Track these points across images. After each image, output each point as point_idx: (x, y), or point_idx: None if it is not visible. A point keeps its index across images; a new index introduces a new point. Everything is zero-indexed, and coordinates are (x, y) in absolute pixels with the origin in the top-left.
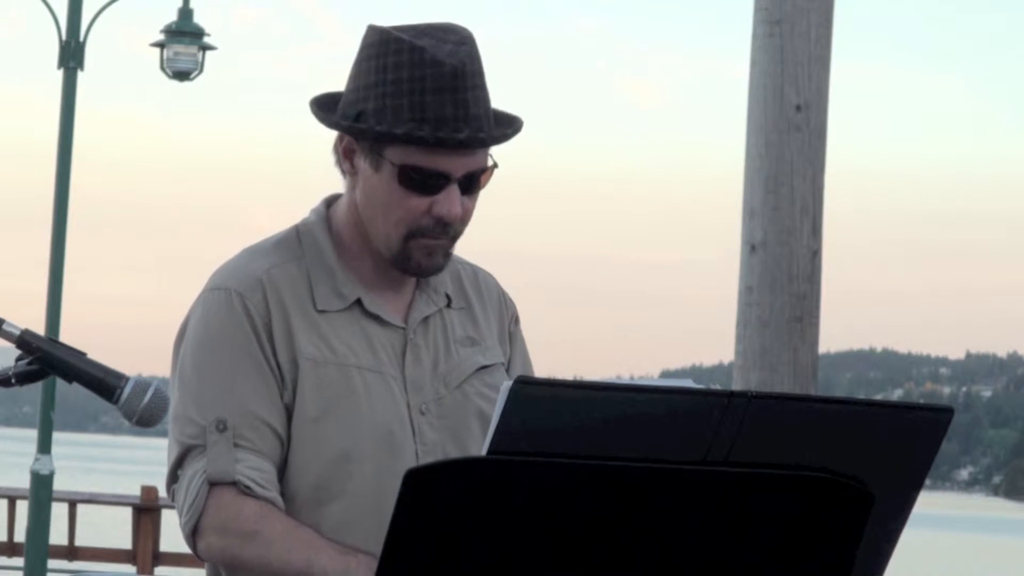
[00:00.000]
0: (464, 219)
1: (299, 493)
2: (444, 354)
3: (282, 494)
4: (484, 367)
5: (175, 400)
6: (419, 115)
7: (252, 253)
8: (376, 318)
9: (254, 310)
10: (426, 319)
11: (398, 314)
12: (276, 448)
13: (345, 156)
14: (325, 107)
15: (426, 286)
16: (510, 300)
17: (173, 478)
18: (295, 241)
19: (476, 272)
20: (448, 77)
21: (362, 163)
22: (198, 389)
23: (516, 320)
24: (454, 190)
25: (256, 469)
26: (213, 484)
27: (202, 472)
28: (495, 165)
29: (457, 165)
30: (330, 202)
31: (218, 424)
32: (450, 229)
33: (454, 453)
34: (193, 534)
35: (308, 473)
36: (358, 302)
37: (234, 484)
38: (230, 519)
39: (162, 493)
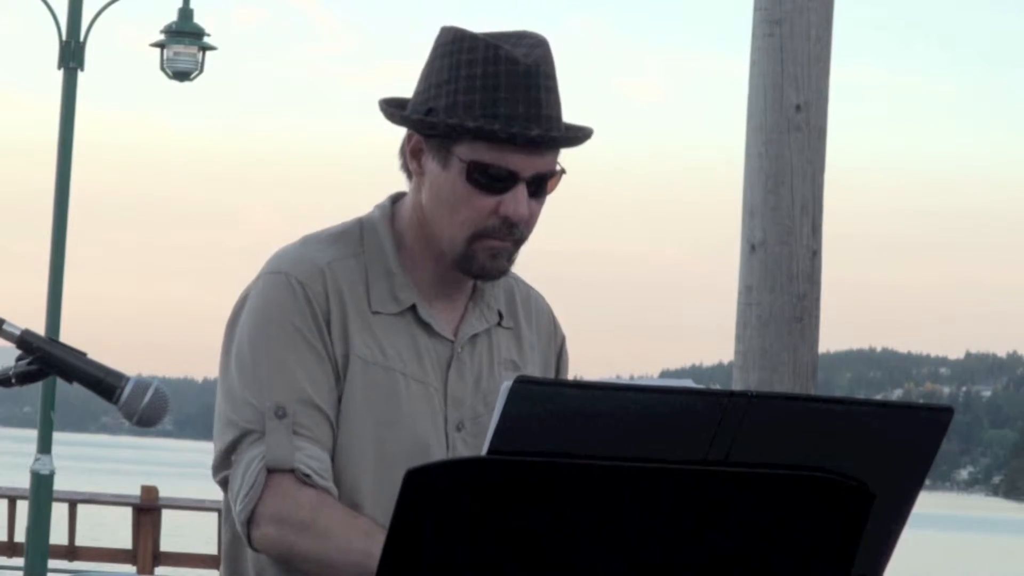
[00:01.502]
0: (530, 223)
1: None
2: (487, 374)
3: None
4: None
5: (229, 381)
6: (491, 111)
7: (313, 242)
8: (427, 327)
9: (314, 299)
10: (474, 336)
11: (449, 326)
12: (331, 438)
13: (412, 155)
14: (395, 107)
15: (480, 300)
16: (560, 326)
17: (225, 462)
18: (357, 236)
19: (530, 293)
20: (522, 75)
21: (430, 162)
22: (256, 373)
23: (564, 348)
24: (521, 190)
25: (314, 458)
26: (271, 471)
27: (260, 458)
28: (563, 171)
29: (526, 164)
30: (395, 199)
31: (277, 410)
32: (515, 231)
33: None
34: (248, 522)
35: (345, 471)
36: (412, 308)
37: (292, 472)
38: (287, 508)
39: (162, 493)
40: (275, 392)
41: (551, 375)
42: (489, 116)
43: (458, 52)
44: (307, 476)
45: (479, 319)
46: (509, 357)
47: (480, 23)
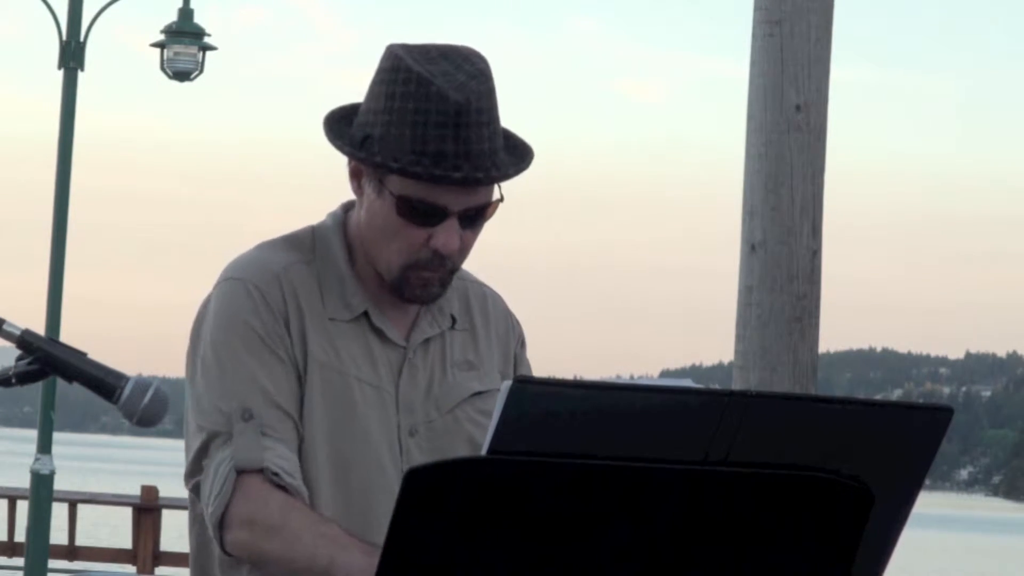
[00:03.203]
0: (463, 251)
1: None
2: (440, 377)
3: None
4: (479, 393)
5: (196, 389)
6: (419, 148)
7: (267, 248)
8: (379, 333)
9: (273, 303)
10: (427, 341)
11: (401, 331)
12: (296, 439)
13: (353, 176)
14: (338, 122)
15: (432, 305)
16: (517, 323)
17: (196, 468)
18: (309, 243)
19: (485, 293)
20: (451, 114)
21: (367, 187)
22: (221, 378)
23: (522, 343)
24: (452, 224)
25: (283, 458)
26: (240, 472)
27: (229, 460)
28: (500, 199)
29: (455, 200)
30: (348, 208)
31: (243, 413)
32: (447, 262)
33: None
34: (220, 526)
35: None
36: (365, 314)
37: (261, 472)
38: (257, 511)
39: (162, 493)
40: (241, 395)
41: (510, 371)
42: (417, 153)
43: (394, 82)
44: (276, 475)
45: (431, 324)
46: (464, 357)
47: (480, 24)
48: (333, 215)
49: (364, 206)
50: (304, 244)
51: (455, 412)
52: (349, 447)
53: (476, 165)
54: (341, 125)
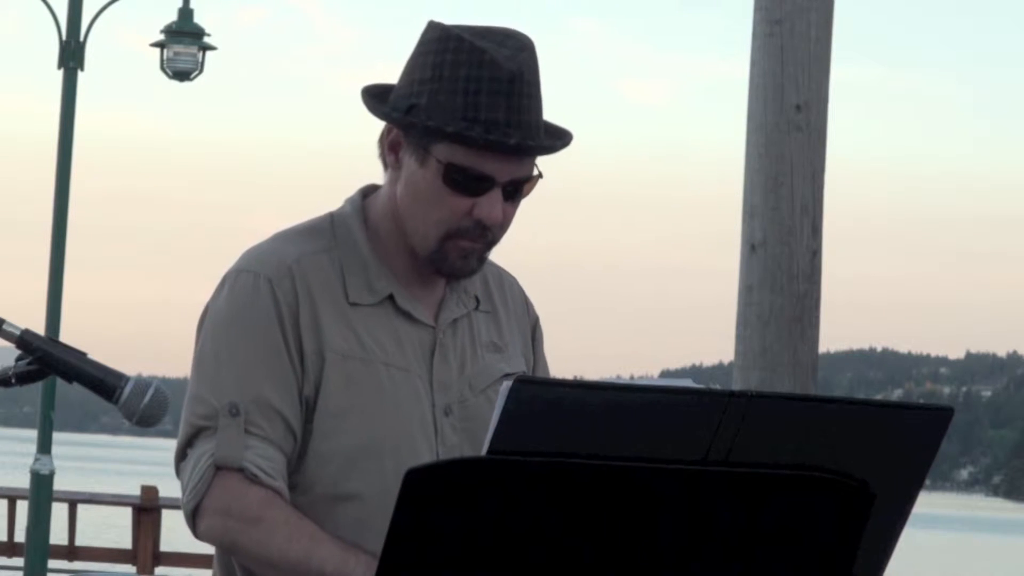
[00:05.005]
0: (503, 225)
1: (316, 487)
2: (471, 357)
3: (298, 486)
4: (508, 375)
5: (192, 378)
6: (472, 115)
7: (284, 238)
8: (407, 315)
9: (282, 297)
10: (455, 321)
11: (428, 312)
12: (287, 439)
13: (391, 149)
14: (377, 97)
15: (456, 286)
16: (532, 306)
17: (181, 455)
18: (328, 230)
19: (501, 275)
20: (505, 81)
21: (407, 158)
22: (215, 371)
23: (538, 327)
24: (497, 194)
25: (264, 458)
26: (219, 468)
27: (209, 454)
28: (540, 175)
29: (503, 170)
30: (366, 192)
31: (231, 408)
32: (488, 233)
33: None
34: (194, 514)
35: (328, 467)
36: (390, 298)
37: (240, 471)
38: (233, 502)
39: (162, 493)
40: (231, 390)
41: (530, 354)
42: (469, 120)
43: (443, 51)
44: (255, 476)
45: (458, 304)
46: (490, 339)
47: (480, 24)
48: (351, 200)
49: (403, 178)
50: (323, 232)
51: (487, 392)
52: (381, 433)
53: (527, 134)
54: (380, 99)
